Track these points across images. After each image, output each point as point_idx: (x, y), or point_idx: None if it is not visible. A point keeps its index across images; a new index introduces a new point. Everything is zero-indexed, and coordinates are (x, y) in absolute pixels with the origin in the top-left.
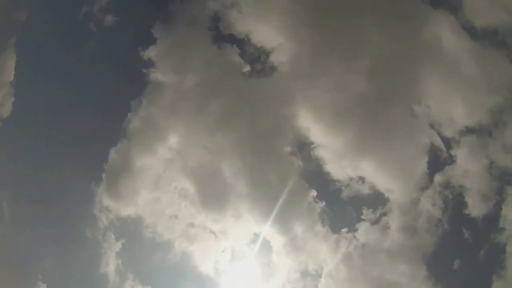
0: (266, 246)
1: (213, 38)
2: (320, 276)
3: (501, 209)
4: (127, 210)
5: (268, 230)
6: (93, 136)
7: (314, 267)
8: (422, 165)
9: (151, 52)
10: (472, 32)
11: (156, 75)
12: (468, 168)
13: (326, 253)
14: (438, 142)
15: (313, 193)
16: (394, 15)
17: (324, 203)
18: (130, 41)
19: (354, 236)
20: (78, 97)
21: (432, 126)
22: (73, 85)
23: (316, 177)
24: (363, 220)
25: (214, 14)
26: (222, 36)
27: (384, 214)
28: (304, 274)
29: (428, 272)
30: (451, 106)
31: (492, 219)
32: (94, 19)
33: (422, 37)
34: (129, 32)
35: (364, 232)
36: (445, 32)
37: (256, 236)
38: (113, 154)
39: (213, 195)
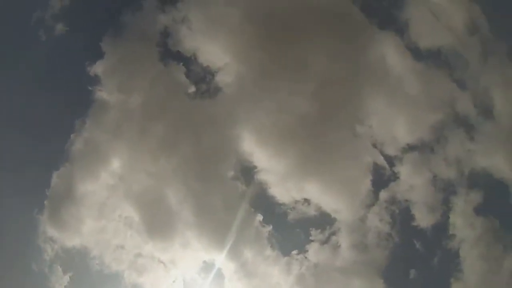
0: (218, 273)
1: (161, 55)
2: None
3: (449, 217)
4: (73, 241)
5: (218, 257)
6: (35, 158)
7: None
8: (366, 184)
9: (98, 68)
10: (416, 52)
11: (102, 94)
12: (412, 183)
13: (278, 276)
14: (381, 160)
15: (259, 217)
16: (340, 36)
17: (271, 226)
18: (79, 54)
19: (305, 257)
20: (18, 114)
21: (374, 145)
22: (12, 99)
23: (261, 201)
24: (312, 241)
25: (164, 29)
26: (170, 53)
27: (333, 233)
28: None
29: (386, 285)
30: (393, 125)
31: (441, 228)
32: (45, 26)
33: (367, 58)
34: (79, 44)
35: (315, 252)
36: (390, 52)
37: (206, 264)
38: (55, 179)
39: (159, 223)
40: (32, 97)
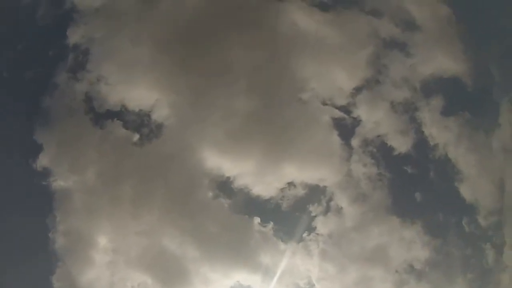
0: None
1: (93, 121)
2: (313, 285)
3: (423, 132)
4: None
5: (240, 277)
6: (27, 271)
7: (303, 281)
8: (335, 140)
9: (43, 161)
10: (321, 5)
11: (58, 183)
12: (375, 119)
13: (304, 263)
14: (337, 113)
15: (257, 220)
16: (248, 23)
17: (271, 223)
18: (20, 157)
19: (317, 234)
20: None
21: (324, 103)
22: None
23: (250, 204)
24: (315, 216)
25: (84, 96)
26: (100, 115)
27: (329, 200)
28: None
29: (400, 218)
30: (332, 78)
31: (422, 144)
32: None
33: (281, 32)
34: (13, 148)
35: (323, 225)
36: (298, 17)
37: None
38: (56, 283)
39: (171, 274)
40: None
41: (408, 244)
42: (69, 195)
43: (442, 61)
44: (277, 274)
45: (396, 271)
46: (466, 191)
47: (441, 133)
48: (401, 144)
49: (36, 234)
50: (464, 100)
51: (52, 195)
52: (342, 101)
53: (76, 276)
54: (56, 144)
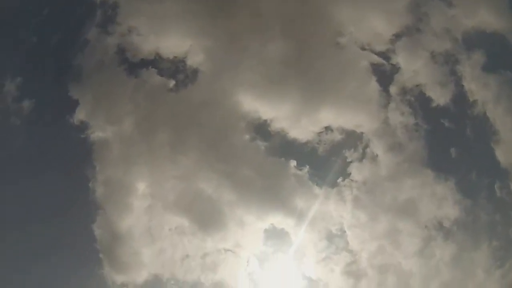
0: (283, 234)
1: (128, 71)
2: (344, 231)
3: (463, 86)
4: (142, 276)
5: (275, 219)
6: (69, 221)
7: (335, 227)
8: (373, 86)
9: (79, 115)
10: None
11: (95, 135)
12: (414, 68)
13: (336, 209)
14: (376, 59)
15: (293, 163)
16: None
17: (307, 167)
18: (57, 113)
19: (352, 180)
20: (36, 189)
21: (363, 48)
22: (26, 184)
23: (287, 148)
24: (350, 162)
25: (117, 48)
26: (134, 64)
27: (366, 147)
28: (330, 238)
29: (434, 172)
30: (371, 22)
31: (461, 98)
32: (12, 112)
33: None
34: (51, 106)
35: (358, 171)
36: None
37: (268, 232)
38: (97, 230)
39: (207, 216)
40: (37, 170)
41: (440, 200)
42: (107, 145)
43: (486, 14)
44: (310, 219)
45: (426, 227)
46: (501, 154)
47: (481, 89)
48: (439, 96)
49: (77, 185)
50: (507, 58)
51: (90, 147)
52: (381, 47)
53: (116, 222)
54: (91, 98)
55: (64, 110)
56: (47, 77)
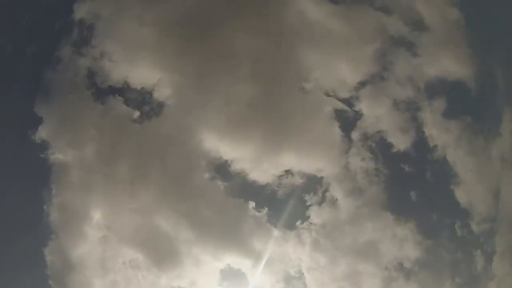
0: (239, 274)
1: (94, 96)
2: (303, 274)
3: (424, 132)
4: None
5: (231, 259)
6: (20, 243)
7: (293, 269)
8: (335, 131)
9: (41, 133)
10: None
11: (55, 156)
12: (376, 114)
13: (295, 251)
14: (340, 105)
15: (252, 204)
16: (256, 9)
17: (266, 209)
18: (19, 128)
19: (311, 223)
20: None
21: (327, 94)
22: None
23: (246, 189)
24: (310, 205)
25: (87, 71)
26: (102, 90)
27: (325, 191)
28: (288, 280)
29: (394, 215)
30: (337, 70)
31: (421, 143)
32: None
33: (288, 20)
34: (13, 120)
35: (317, 215)
36: (307, 7)
37: (224, 271)
38: (48, 255)
39: (163, 253)
40: None
41: (400, 242)
42: (66, 169)
43: (448, 63)
44: (268, 260)
45: (386, 268)
46: (461, 195)
47: (442, 135)
48: (400, 142)
49: (30, 206)
50: (467, 105)
51: (49, 168)
52: (345, 94)
53: (68, 250)
54: (56, 118)
55: (26, 126)
56: (14, 87)
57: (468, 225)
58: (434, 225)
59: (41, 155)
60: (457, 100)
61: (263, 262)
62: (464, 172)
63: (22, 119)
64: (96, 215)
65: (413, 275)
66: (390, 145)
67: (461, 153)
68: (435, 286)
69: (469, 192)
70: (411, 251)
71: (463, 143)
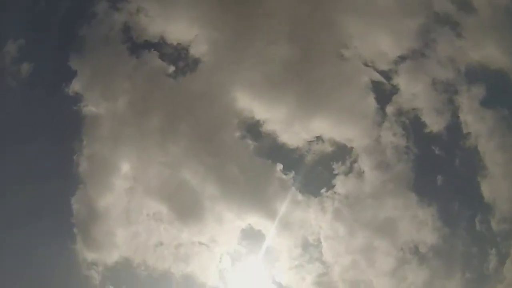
0: (259, 236)
1: (130, 50)
2: (320, 242)
3: (459, 117)
4: (114, 257)
5: (253, 220)
6: (48, 190)
7: (312, 236)
8: (370, 103)
9: (75, 86)
10: None
11: (88, 108)
12: (413, 91)
13: (316, 218)
14: (378, 76)
15: (279, 166)
16: None
17: (293, 172)
18: (52, 80)
19: (335, 192)
20: (19, 153)
21: (366, 64)
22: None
23: (276, 151)
24: (336, 174)
25: (123, 26)
26: (138, 45)
27: (354, 161)
28: (305, 246)
29: (418, 197)
30: (378, 40)
31: (455, 128)
32: (9, 73)
33: None
34: (48, 72)
35: (342, 185)
36: None
37: (245, 231)
38: (75, 204)
39: (187, 207)
40: (26, 135)
41: (419, 224)
42: (98, 121)
43: (492, 50)
44: (289, 224)
45: (401, 249)
46: (486, 189)
47: (476, 123)
48: (434, 123)
49: (62, 155)
50: (506, 96)
51: (81, 120)
52: (384, 66)
53: (95, 199)
54: (90, 71)
55: (61, 79)
56: (50, 43)
57: (488, 221)
58: (455, 214)
59: (74, 107)
60: (497, 90)
61: (284, 226)
62: (493, 165)
63: (57, 71)
64: (125, 167)
65: (426, 261)
66: (423, 125)
67: (493, 146)
68: (445, 277)
69: (495, 187)
70: (428, 236)
71: (497, 135)
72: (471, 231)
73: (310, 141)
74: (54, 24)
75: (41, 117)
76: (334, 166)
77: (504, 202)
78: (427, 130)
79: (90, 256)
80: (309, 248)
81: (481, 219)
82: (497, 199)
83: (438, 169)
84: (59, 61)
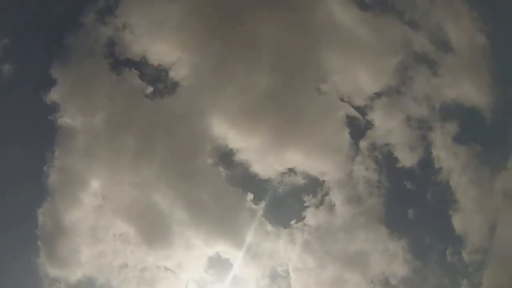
0: (227, 264)
1: (111, 66)
2: (289, 273)
3: (431, 152)
4: (76, 274)
5: (221, 248)
6: (15, 199)
7: (280, 267)
8: (345, 137)
9: (53, 95)
10: (361, 3)
11: (64, 120)
12: (387, 127)
13: (285, 249)
14: (353, 112)
15: (250, 196)
16: (285, 2)
17: (264, 203)
18: (32, 86)
19: (305, 224)
20: None
21: (342, 99)
22: None
23: (247, 180)
24: (307, 207)
25: (108, 40)
26: (119, 61)
27: (325, 194)
28: (273, 277)
29: (389, 230)
30: (356, 76)
31: (427, 163)
32: None
33: (315, 19)
34: (29, 77)
35: (313, 217)
36: (336, 9)
37: (212, 258)
38: (41, 216)
39: (155, 231)
40: None
41: (390, 257)
42: (72, 134)
43: (467, 88)
44: (257, 254)
45: (372, 281)
46: (458, 222)
47: (449, 158)
48: (407, 158)
49: (32, 164)
50: (479, 133)
51: (55, 130)
52: (360, 102)
53: (62, 214)
54: (70, 82)
55: (39, 86)
56: (34, 46)
57: (459, 253)
58: (426, 247)
59: (50, 117)
60: (470, 127)
61: (252, 256)
62: (465, 199)
63: (37, 77)
64: (95, 184)
65: None
66: (395, 160)
67: (465, 180)
68: None
69: (466, 220)
70: (399, 269)
71: (469, 170)
72: (442, 263)
73: (283, 173)
74: (42, 27)
75: (14, 121)
76: (305, 198)
77: (475, 234)
78: (399, 165)
79: (53, 272)
80: (278, 279)
81: (452, 251)
82: (468, 232)
83: (409, 203)
84: (40, 66)
